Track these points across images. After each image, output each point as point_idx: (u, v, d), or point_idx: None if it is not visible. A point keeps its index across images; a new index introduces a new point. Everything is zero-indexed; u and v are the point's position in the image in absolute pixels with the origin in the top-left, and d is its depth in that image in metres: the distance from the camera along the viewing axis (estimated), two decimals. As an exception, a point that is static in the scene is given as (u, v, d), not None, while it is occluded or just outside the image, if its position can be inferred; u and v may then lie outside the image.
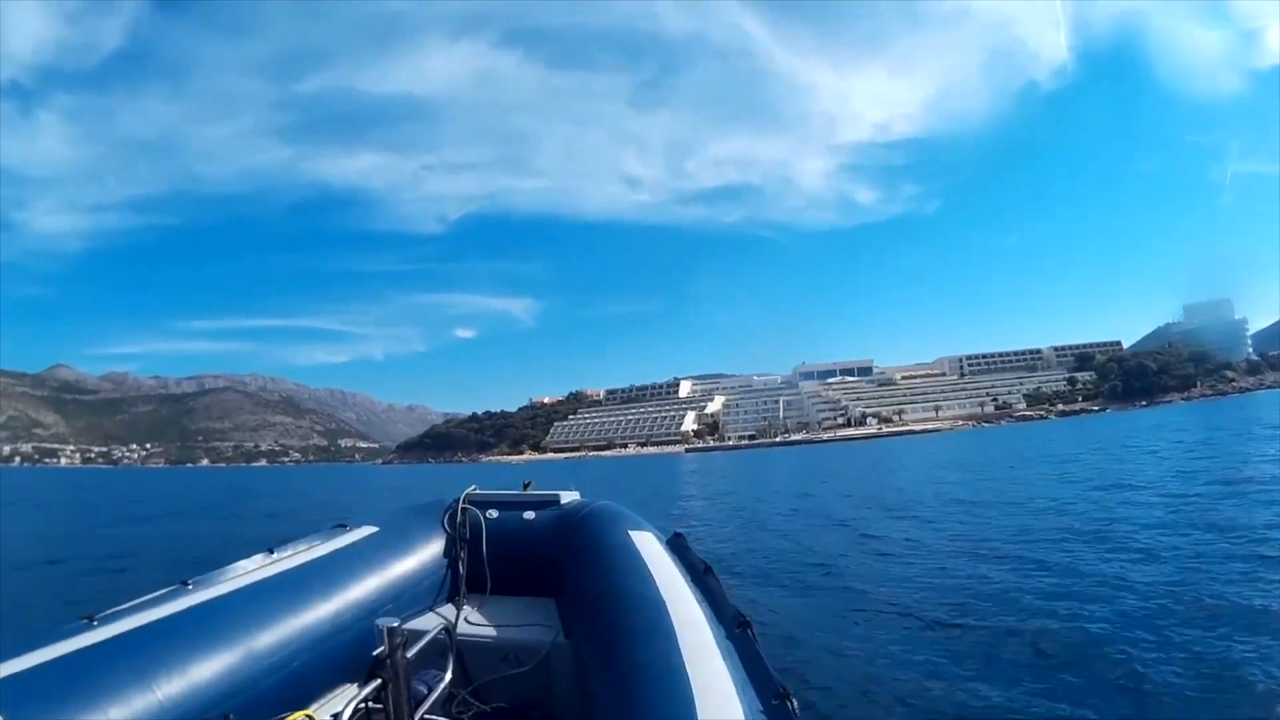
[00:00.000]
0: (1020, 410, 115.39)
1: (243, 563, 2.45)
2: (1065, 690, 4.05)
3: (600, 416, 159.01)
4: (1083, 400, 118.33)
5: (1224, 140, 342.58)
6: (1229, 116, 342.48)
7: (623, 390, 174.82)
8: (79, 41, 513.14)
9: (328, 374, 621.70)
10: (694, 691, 1.38)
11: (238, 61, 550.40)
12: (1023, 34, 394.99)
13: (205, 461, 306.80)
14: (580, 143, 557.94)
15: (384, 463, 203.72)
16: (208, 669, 1.87)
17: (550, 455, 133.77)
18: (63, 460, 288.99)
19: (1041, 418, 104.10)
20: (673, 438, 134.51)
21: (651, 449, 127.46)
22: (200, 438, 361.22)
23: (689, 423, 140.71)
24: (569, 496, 3.28)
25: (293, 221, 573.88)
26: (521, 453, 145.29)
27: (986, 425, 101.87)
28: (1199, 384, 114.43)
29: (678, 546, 2.59)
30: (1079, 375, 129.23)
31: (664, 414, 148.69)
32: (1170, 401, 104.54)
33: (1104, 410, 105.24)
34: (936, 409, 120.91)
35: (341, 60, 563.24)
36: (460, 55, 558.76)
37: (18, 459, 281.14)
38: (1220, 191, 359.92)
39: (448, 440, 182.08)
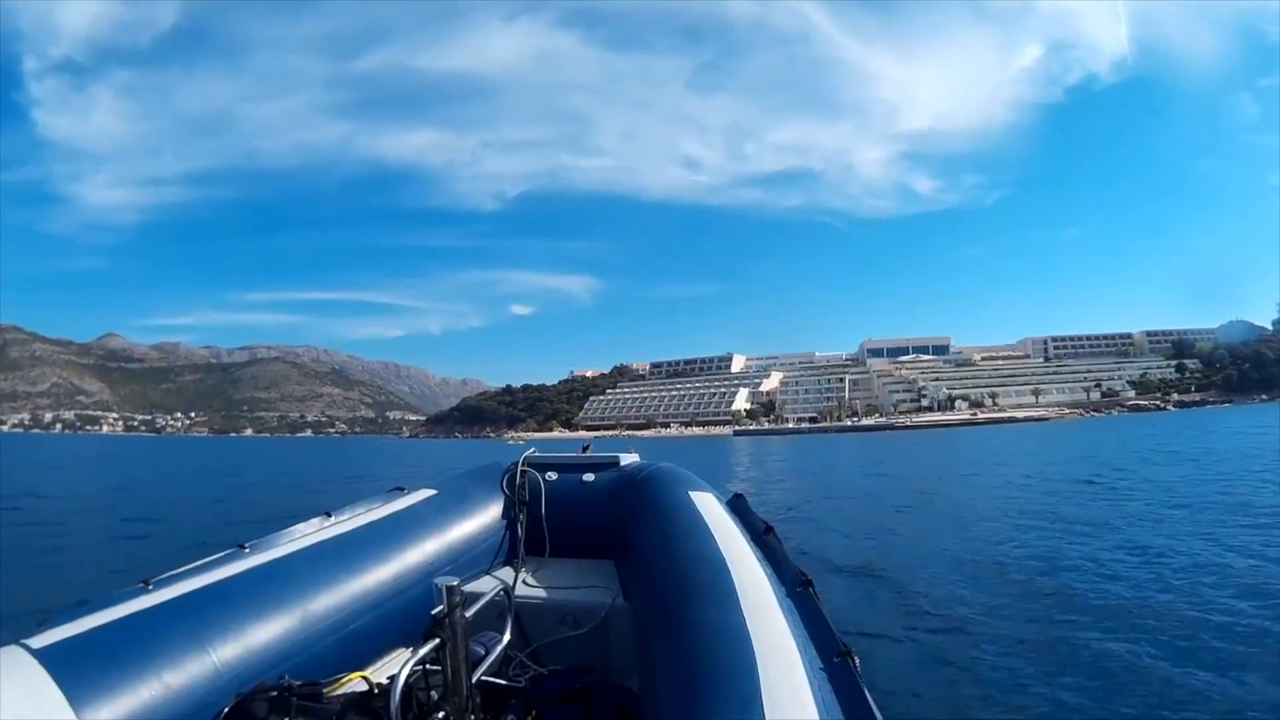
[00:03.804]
0: (1131, 399, 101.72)
1: (300, 526, 2.44)
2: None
3: (641, 391, 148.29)
4: (1195, 390, 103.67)
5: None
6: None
7: (669, 364, 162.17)
8: (134, 19, 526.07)
9: (384, 348, 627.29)
10: (755, 649, 1.38)
11: (295, 39, 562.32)
12: (1084, 26, 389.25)
13: (249, 431, 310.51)
14: (640, 123, 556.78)
15: (410, 435, 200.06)
16: (264, 631, 1.86)
17: (581, 433, 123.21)
18: (104, 428, 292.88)
19: (1158, 408, 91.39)
20: (722, 418, 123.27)
21: (696, 430, 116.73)
22: (245, 407, 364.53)
23: (741, 401, 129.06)
24: (629, 459, 3.20)
25: (349, 197, 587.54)
26: (550, 429, 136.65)
27: (1097, 415, 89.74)
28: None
29: (738, 507, 2.54)
30: (1187, 362, 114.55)
31: (713, 390, 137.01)
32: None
33: (1228, 402, 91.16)
34: (1036, 393, 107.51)
35: (400, 38, 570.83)
36: (519, 34, 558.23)
37: (59, 425, 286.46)
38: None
39: (478, 414, 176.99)
